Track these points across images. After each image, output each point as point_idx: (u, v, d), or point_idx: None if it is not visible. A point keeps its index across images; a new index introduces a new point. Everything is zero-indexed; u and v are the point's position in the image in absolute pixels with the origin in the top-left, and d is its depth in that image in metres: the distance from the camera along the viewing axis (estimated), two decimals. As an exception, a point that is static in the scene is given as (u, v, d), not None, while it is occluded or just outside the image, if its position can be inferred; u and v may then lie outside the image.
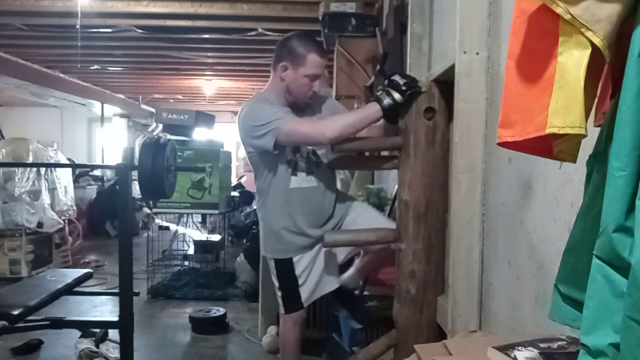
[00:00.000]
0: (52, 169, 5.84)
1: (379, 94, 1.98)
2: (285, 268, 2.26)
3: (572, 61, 0.76)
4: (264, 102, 2.16)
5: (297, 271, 2.26)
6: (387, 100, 1.93)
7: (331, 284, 2.36)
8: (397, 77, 1.94)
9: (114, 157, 9.84)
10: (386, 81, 1.98)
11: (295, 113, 2.19)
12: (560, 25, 0.77)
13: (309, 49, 2.10)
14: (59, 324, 2.83)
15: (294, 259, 2.25)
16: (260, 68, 7.00)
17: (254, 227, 5.30)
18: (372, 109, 1.98)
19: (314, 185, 2.23)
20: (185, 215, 6.37)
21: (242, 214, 6.79)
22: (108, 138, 11.04)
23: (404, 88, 1.91)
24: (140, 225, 8.28)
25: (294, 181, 2.20)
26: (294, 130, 2.06)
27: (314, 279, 2.29)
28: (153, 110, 10.39)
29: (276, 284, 2.32)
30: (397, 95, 1.92)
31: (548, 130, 0.78)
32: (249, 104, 2.20)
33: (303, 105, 2.22)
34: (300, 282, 2.26)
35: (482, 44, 1.72)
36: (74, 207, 6.34)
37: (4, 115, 10.51)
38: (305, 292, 2.27)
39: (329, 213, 2.31)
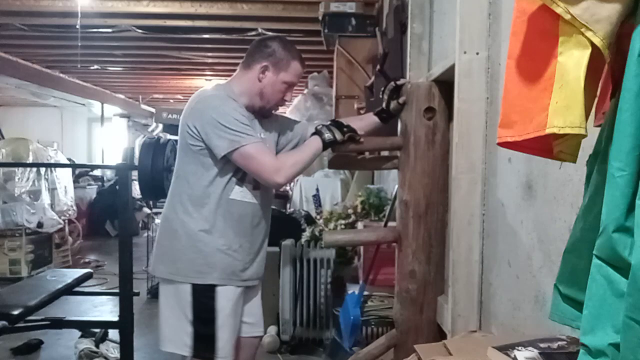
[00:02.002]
0: (52, 169, 5.84)
1: (319, 127, 1.97)
2: (204, 296, 1.85)
3: (572, 61, 0.76)
4: (234, 103, 1.88)
5: (219, 304, 1.86)
6: (327, 135, 1.93)
7: (254, 330, 2.08)
8: (342, 120, 2.03)
9: (114, 157, 9.84)
10: (330, 120, 2.05)
11: (256, 119, 1.97)
12: (560, 25, 0.77)
13: (293, 56, 1.97)
14: (59, 324, 2.84)
15: (218, 288, 1.86)
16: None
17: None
18: (317, 144, 1.93)
19: (256, 203, 1.93)
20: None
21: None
22: (108, 138, 11.04)
23: (345, 129, 1.96)
24: (140, 225, 8.28)
25: (236, 192, 1.89)
26: (252, 156, 1.80)
27: (236, 321, 1.92)
28: (153, 110, 10.39)
29: (189, 316, 1.85)
30: (338, 135, 1.94)
31: (548, 130, 0.78)
32: (219, 97, 1.89)
33: (268, 113, 2.02)
34: (219, 320, 1.85)
35: (482, 44, 1.72)
36: (74, 207, 6.34)
37: (4, 115, 10.51)
38: (223, 337, 1.86)
39: (261, 242, 2.00)
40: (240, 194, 1.89)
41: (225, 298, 1.87)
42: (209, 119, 1.81)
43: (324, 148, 1.95)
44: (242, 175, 1.89)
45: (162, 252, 1.93)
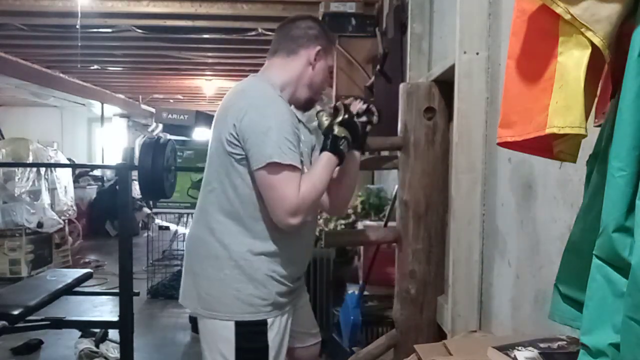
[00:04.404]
0: (52, 169, 5.84)
1: (331, 141, 1.56)
2: (254, 335, 1.51)
3: (572, 61, 0.76)
4: (281, 103, 1.52)
5: (272, 341, 1.52)
6: (343, 147, 1.56)
7: (311, 339, 1.80)
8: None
9: (114, 157, 9.84)
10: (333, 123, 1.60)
11: (300, 122, 1.63)
12: (560, 25, 0.77)
13: (333, 37, 1.68)
14: (59, 324, 2.84)
15: (269, 321, 1.52)
16: (260, 68, 6.99)
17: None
18: (334, 164, 1.56)
19: (310, 221, 1.60)
20: (185, 215, 6.37)
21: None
22: (108, 138, 11.04)
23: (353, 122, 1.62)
24: (140, 225, 8.28)
25: None
26: (278, 184, 1.44)
27: (285, 349, 1.60)
28: (153, 110, 10.38)
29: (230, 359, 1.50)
30: (352, 135, 1.59)
31: (548, 130, 0.78)
32: (268, 96, 1.52)
33: (310, 107, 1.68)
34: (272, 354, 1.52)
35: (482, 44, 1.72)
36: (74, 207, 6.35)
37: (4, 115, 10.51)
38: None
39: (306, 265, 1.70)
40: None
41: (276, 331, 1.54)
42: (254, 122, 1.45)
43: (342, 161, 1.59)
44: None
45: (197, 283, 1.55)
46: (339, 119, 1.58)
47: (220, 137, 1.50)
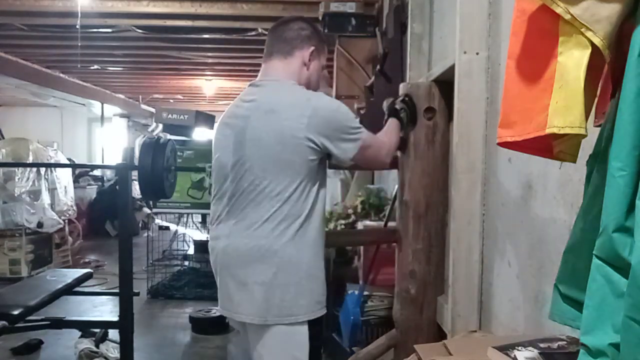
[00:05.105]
0: (52, 169, 5.84)
1: (398, 109, 1.98)
2: (316, 332, 1.63)
3: (572, 61, 0.76)
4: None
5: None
6: (403, 116, 1.97)
7: None
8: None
9: (114, 157, 9.84)
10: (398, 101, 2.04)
11: None
12: (560, 25, 0.77)
13: (323, 36, 1.75)
14: (59, 324, 2.84)
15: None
16: (260, 68, 6.99)
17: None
18: (398, 126, 1.92)
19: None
20: (185, 215, 6.38)
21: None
22: (108, 138, 11.04)
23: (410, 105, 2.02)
24: (140, 225, 8.28)
25: (325, 196, 1.67)
26: (372, 144, 1.68)
27: None
28: (153, 110, 10.38)
29: None
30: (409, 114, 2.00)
31: (548, 130, 0.78)
32: (325, 97, 1.65)
33: None
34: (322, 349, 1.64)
35: (482, 44, 1.72)
36: (74, 207, 6.34)
37: (4, 115, 10.51)
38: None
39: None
40: (324, 201, 1.67)
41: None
42: (335, 123, 1.57)
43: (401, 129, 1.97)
44: (324, 181, 1.67)
45: (267, 293, 1.55)
46: (400, 99, 2.02)
47: (297, 147, 1.53)
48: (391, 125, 1.89)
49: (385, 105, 2.07)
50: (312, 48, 1.66)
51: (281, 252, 1.54)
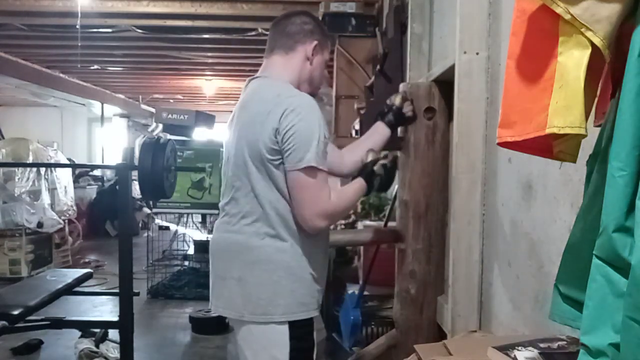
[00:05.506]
0: (52, 169, 5.84)
1: (372, 176, 1.66)
2: (304, 334, 1.54)
3: (572, 61, 0.76)
4: (317, 107, 1.54)
5: (316, 339, 1.59)
6: (376, 184, 1.68)
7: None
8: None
9: (114, 157, 9.84)
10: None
11: None
12: (560, 25, 0.77)
13: (326, 31, 1.70)
14: (59, 324, 2.84)
15: (314, 319, 1.59)
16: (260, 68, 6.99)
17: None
18: (362, 192, 1.66)
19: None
20: (185, 215, 6.38)
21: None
22: (108, 138, 11.04)
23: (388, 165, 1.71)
24: (140, 225, 8.28)
25: None
26: (312, 185, 1.47)
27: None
28: (153, 110, 10.38)
29: None
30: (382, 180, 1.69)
31: (548, 130, 0.78)
32: (302, 98, 1.52)
33: None
34: (315, 351, 1.58)
35: (482, 44, 1.72)
36: (74, 207, 6.35)
37: (4, 115, 10.51)
38: None
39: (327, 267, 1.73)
40: None
41: (316, 329, 1.59)
42: (297, 126, 1.45)
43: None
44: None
45: (244, 290, 1.53)
46: (384, 161, 1.68)
47: (257, 144, 1.48)
48: (353, 186, 1.64)
49: (388, 102, 1.91)
50: (315, 42, 1.62)
51: (258, 250, 1.52)
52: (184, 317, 4.14)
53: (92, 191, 8.45)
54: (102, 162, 10.50)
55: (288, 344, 1.51)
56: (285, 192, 1.50)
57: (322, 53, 1.65)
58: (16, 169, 5.45)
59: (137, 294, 2.93)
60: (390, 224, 2.49)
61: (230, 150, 1.59)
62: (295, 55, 1.61)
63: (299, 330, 1.52)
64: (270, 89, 1.56)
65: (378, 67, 3.11)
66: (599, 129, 0.85)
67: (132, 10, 4.77)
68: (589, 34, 0.74)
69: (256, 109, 1.52)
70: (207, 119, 2.62)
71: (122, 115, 11.72)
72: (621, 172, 0.70)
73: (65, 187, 6.16)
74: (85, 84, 8.72)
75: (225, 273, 1.57)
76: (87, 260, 6.42)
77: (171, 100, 11.35)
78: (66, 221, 6.04)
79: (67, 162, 6.76)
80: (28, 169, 5.54)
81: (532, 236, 1.43)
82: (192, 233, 7.06)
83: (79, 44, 5.23)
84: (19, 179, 5.46)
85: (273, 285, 1.51)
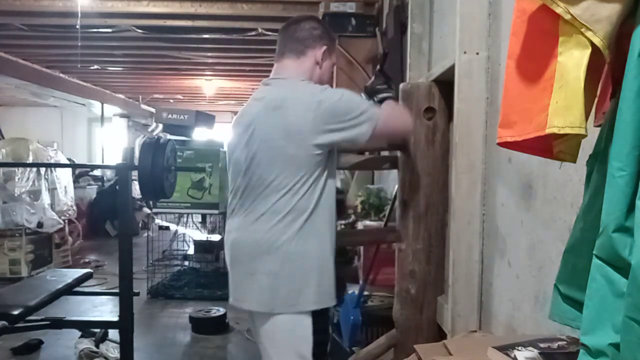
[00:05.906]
0: (52, 169, 5.84)
1: (386, 95, 1.86)
2: (322, 324, 1.71)
3: (572, 61, 0.76)
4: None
5: (329, 329, 1.68)
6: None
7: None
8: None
9: (114, 157, 9.84)
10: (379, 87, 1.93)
11: None
12: (560, 25, 0.77)
13: (335, 37, 1.77)
14: (59, 324, 2.83)
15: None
16: (260, 68, 7.00)
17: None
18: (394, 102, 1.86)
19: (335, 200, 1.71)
20: (185, 215, 6.38)
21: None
22: (108, 138, 11.04)
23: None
24: (140, 225, 8.28)
25: (334, 188, 1.68)
26: (389, 118, 1.64)
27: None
28: (153, 110, 10.39)
29: (306, 354, 1.62)
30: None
31: (548, 130, 0.78)
32: (329, 90, 1.63)
33: None
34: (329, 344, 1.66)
35: (482, 44, 1.72)
36: (74, 207, 6.34)
37: (4, 115, 10.51)
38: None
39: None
40: (334, 189, 1.68)
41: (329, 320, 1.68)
42: (332, 114, 1.56)
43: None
44: (333, 173, 1.68)
45: (273, 284, 1.59)
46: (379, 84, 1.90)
47: (305, 141, 1.55)
48: (391, 103, 1.81)
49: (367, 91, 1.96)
50: (325, 47, 1.70)
51: (287, 245, 1.58)
52: (184, 317, 4.14)
53: (92, 191, 8.45)
54: (102, 162, 10.50)
55: (311, 337, 1.61)
56: (314, 186, 1.59)
57: (331, 57, 1.74)
58: (16, 169, 5.44)
59: (137, 294, 2.92)
60: (390, 224, 2.49)
61: (256, 150, 1.62)
62: (306, 60, 1.69)
63: (319, 321, 1.61)
64: (302, 89, 1.64)
65: (378, 67, 3.11)
66: (599, 129, 0.85)
67: (132, 10, 4.77)
68: (589, 34, 0.74)
69: (296, 109, 1.58)
70: (207, 119, 2.62)
71: (122, 115, 11.71)
72: (621, 172, 0.70)
73: (65, 187, 6.16)
74: (85, 84, 8.72)
75: (255, 269, 1.62)
76: (87, 260, 6.41)
77: (171, 100, 11.35)
78: (66, 221, 6.04)
79: (67, 162, 6.76)
80: (28, 169, 5.54)
81: (532, 236, 1.43)
82: (192, 233, 7.06)
83: (79, 44, 5.23)
84: (19, 179, 5.46)
85: (302, 277, 1.59)
